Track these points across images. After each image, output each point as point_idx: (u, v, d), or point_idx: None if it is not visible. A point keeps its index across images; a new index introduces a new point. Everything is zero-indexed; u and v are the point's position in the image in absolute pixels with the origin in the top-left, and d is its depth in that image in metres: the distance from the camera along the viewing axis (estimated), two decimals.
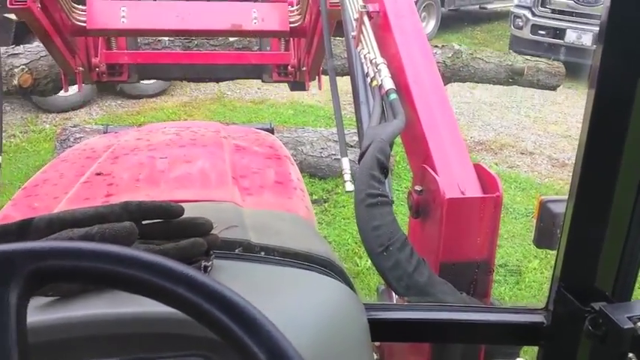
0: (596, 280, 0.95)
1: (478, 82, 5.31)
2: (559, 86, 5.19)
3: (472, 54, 5.14)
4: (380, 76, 1.47)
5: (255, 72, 3.70)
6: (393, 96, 1.41)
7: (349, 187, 1.69)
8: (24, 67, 4.27)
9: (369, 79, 1.56)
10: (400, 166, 4.95)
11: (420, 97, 1.44)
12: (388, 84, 1.44)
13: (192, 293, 0.53)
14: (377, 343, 1.61)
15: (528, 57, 5.38)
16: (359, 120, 1.62)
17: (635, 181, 0.90)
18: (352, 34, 1.74)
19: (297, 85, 3.68)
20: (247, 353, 0.52)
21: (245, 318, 0.53)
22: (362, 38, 1.65)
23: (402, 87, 1.47)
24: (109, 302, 0.75)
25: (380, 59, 1.52)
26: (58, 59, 2.87)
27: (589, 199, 0.92)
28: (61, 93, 6.28)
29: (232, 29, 2.85)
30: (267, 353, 0.52)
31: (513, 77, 5.06)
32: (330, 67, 1.85)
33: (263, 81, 3.73)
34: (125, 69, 3.45)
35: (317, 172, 4.97)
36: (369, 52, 1.57)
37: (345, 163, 1.54)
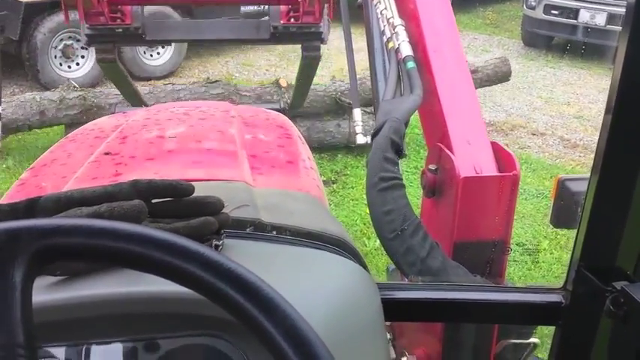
0: (618, 260, 0.93)
1: None
2: None
3: None
4: (397, 40, 1.38)
5: (263, 29, 3.52)
6: (411, 64, 1.33)
7: (360, 139, 1.64)
8: None
9: (385, 38, 1.47)
10: (409, 147, 4.91)
11: (439, 68, 1.36)
12: (406, 50, 1.35)
13: (206, 272, 0.51)
14: (388, 323, 1.60)
15: None
16: (374, 81, 1.54)
17: None
18: None
19: (311, 48, 3.53)
20: (263, 333, 0.50)
21: (261, 297, 0.51)
22: None
23: (420, 53, 1.38)
24: (116, 281, 0.73)
25: (398, 20, 1.41)
26: None
27: (611, 178, 0.90)
28: (69, 75, 6.33)
29: None
30: (284, 333, 0.50)
31: None
32: (344, 14, 1.75)
33: (271, 38, 3.50)
34: (128, 15, 3.34)
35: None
36: (385, 9, 1.47)
37: (357, 115, 1.49)
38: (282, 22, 3.37)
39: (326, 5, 3.19)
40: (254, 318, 0.50)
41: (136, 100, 4.43)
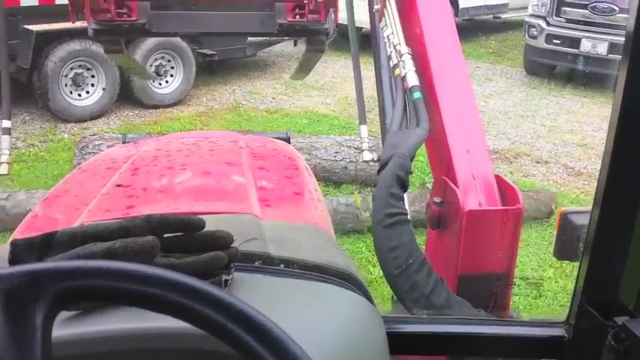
0: (620, 295, 0.94)
1: None
2: None
3: None
4: (404, 69, 1.39)
5: (269, 22, 3.50)
6: (417, 95, 1.34)
7: (367, 156, 1.65)
8: None
9: (391, 63, 1.47)
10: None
11: (445, 99, 1.37)
12: (412, 80, 1.36)
13: (218, 313, 0.53)
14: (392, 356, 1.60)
15: None
16: (381, 106, 1.55)
17: None
18: (376, 7, 1.65)
19: (316, 42, 3.50)
20: None
21: (271, 339, 0.53)
22: (385, 14, 1.55)
23: (426, 82, 1.39)
24: (129, 317, 0.75)
25: (405, 48, 1.42)
26: None
27: (613, 212, 0.91)
28: (79, 103, 6.43)
29: None
30: None
31: None
32: (351, 28, 1.75)
33: (278, 33, 3.48)
34: (134, 10, 3.34)
35: (331, 175, 5.02)
36: (392, 34, 1.48)
37: (364, 131, 1.51)
38: (288, 19, 3.40)
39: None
40: (264, 359, 0.52)
41: (144, 75, 4.51)
